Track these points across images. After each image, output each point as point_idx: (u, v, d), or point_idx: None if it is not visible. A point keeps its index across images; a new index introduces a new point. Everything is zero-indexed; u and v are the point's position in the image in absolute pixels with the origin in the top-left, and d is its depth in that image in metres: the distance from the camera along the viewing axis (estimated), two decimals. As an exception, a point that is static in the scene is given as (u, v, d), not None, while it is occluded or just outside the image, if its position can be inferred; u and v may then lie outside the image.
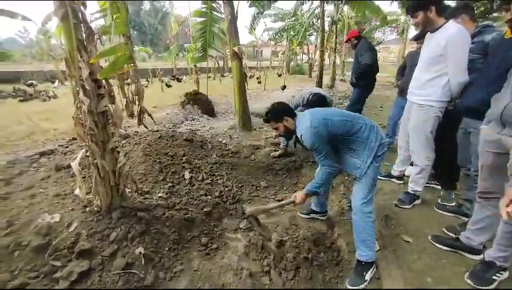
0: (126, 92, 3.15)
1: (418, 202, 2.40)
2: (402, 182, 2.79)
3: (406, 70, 3.32)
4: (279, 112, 1.82)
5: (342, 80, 13.69)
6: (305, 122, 1.65)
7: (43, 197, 2.02)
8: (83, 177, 1.86)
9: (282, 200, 2.73)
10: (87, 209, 1.84)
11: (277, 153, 3.52)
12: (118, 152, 1.78)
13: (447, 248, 1.79)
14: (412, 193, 2.38)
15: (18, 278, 1.42)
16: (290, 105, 3.26)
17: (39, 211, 1.82)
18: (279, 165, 3.31)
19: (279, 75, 13.49)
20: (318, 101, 3.28)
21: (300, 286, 1.67)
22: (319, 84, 8.11)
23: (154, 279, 1.60)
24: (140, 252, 1.68)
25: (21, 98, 6.90)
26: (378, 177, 2.40)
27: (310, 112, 1.73)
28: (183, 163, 2.93)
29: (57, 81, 10.06)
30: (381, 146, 1.66)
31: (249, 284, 1.65)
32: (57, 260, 1.53)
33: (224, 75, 15.12)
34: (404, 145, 2.63)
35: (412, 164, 2.52)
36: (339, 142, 1.71)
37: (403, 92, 3.18)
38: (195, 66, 7.44)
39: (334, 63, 11.93)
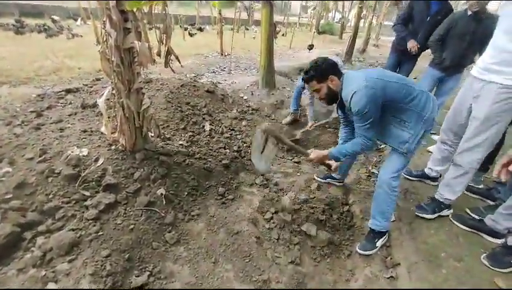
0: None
1: (447, 212, 1.88)
2: (437, 183, 2.21)
3: (445, 39, 2.79)
4: (325, 70, 1.52)
5: (375, 45, 12.53)
6: (358, 81, 1.41)
7: (71, 132, 2.10)
8: (108, 117, 1.88)
9: (299, 163, 2.73)
10: (113, 147, 1.90)
11: (288, 119, 3.36)
12: (143, 94, 1.75)
13: (468, 229, 1.75)
14: (441, 200, 1.86)
15: (52, 201, 1.54)
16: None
17: (68, 143, 1.90)
18: (298, 128, 3.23)
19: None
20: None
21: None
22: (351, 47, 7.45)
23: (174, 219, 1.70)
24: (161, 193, 1.76)
25: (48, 34, 6.87)
26: (408, 177, 2.30)
27: (362, 71, 1.53)
28: (203, 114, 2.91)
29: (79, 19, 9.83)
30: (432, 120, 1.51)
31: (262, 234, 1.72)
32: (86, 190, 1.64)
33: (248, 28, 14.18)
34: (451, 139, 1.95)
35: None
36: (390, 111, 1.49)
37: (444, 65, 2.82)
38: (220, 14, 6.94)
39: (371, 24, 10.78)
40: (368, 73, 1.46)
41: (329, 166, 1.84)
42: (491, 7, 2.55)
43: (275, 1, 3.55)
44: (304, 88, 3.14)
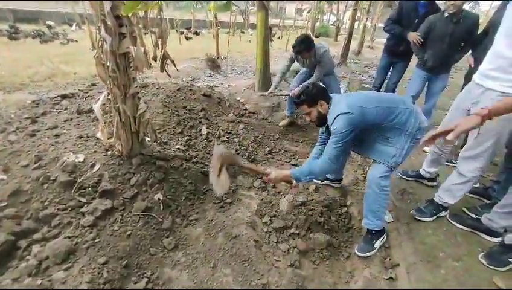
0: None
1: (444, 214, 1.90)
2: (435, 183, 2.24)
3: (428, 40, 2.80)
4: (315, 96, 1.61)
5: (369, 46, 12.66)
6: (341, 107, 1.50)
7: (67, 138, 2.08)
8: (104, 122, 1.87)
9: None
10: (109, 153, 1.89)
11: (285, 122, 3.37)
12: (139, 98, 1.75)
13: (466, 228, 1.76)
14: (440, 203, 1.87)
15: (48, 208, 1.52)
16: (288, 63, 3.14)
17: (64, 149, 1.88)
18: (295, 131, 3.24)
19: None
20: (305, 40, 2.83)
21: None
22: (346, 48, 7.52)
23: (172, 224, 1.69)
24: (159, 198, 1.75)
25: (42, 39, 6.84)
26: (404, 177, 2.35)
27: (346, 97, 1.61)
28: (200, 118, 2.90)
29: (74, 24, 9.81)
30: (419, 130, 1.55)
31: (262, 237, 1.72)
32: (82, 197, 1.62)
33: (244, 31, 14.27)
34: (440, 142, 1.98)
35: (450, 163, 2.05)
36: (374, 130, 1.58)
37: (427, 66, 2.87)
38: (215, 18, 6.97)
39: (365, 26, 10.90)
40: (351, 99, 1.55)
41: (290, 183, 1.74)
42: (482, 7, 2.60)
43: (270, 2, 3.56)
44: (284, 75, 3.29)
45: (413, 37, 2.93)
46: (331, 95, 1.68)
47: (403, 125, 1.53)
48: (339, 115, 1.48)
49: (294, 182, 1.67)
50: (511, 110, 1.14)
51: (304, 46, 2.77)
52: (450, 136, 1.16)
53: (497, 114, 1.15)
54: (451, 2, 2.52)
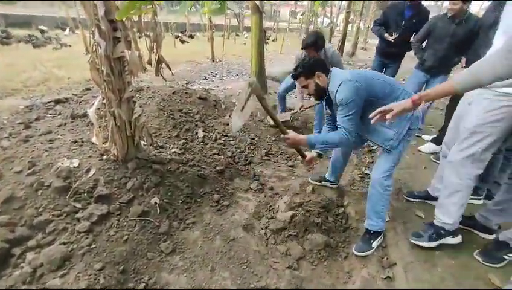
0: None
1: (452, 241, 1.63)
2: None
3: (428, 40, 2.89)
4: (312, 66, 1.59)
5: (363, 48, 12.80)
6: (343, 76, 1.49)
7: (61, 143, 2.06)
8: (99, 127, 1.86)
9: (293, 167, 2.73)
10: (104, 157, 1.87)
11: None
12: (134, 102, 1.74)
13: (460, 226, 1.78)
14: (439, 225, 1.62)
15: (42, 214, 1.50)
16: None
17: (58, 155, 1.86)
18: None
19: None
20: (319, 37, 2.58)
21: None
22: (341, 50, 7.60)
23: (169, 228, 1.68)
24: (155, 202, 1.73)
25: (35, 44, 6.77)
26: (410, 199, 2.14)
27: (347, 70, 1.61)
28: (196, 121, 2.90)
29: (68, 28, 9.73)
30: (416, 118, 1.56)
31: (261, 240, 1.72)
32: (78, 202, 1.60)
33: (239, 34, 14.31)
34: None
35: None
36: (375, 109, 1.49)
37: (425, 66, 2.92)
38: (210, 21, 6.98)
39: (359, 28, 11.02)
40: (353, 71, 1.54)
41: (303, 156, 1.77)
42: (472, 8, 2.65)
43: (264, 5, 3.59)
44: (285, 91, 3.20)
45: (386, 35, 3.23)
46: (331, 68, 1.62)
47: None
48: (341, 83, 1.45)
49: (308, 156, 1.72)
50: (442, 96, 1.19)
51: (316, 43, 2.46)
52: (388, 116, 1.23)
53: (428, 99, 1.20)
54: (450, 6, 2.57)
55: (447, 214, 1.59)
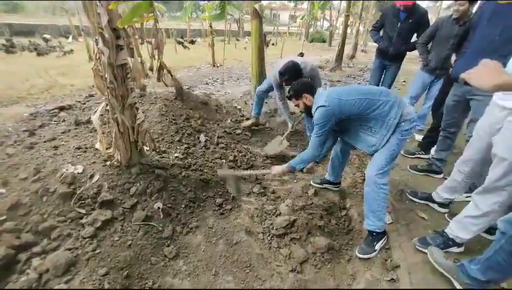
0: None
1: (456, 250, 1.62)
2: (447, 210, 1.99)
3: (433, 41, 2.92)
4: (299, 91, 1.86)
5: (363, 50, 12.86)
6: (321, 99, 1.69)
7: (65, 149, 2.08)
8: (103, 133, 1.88)
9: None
10: (108, 163, 1.89)
11: (248, 123, 3.29)
12: (137, 108, 1.76)
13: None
14: (451, 237, 1.60)
15: (47, 220, 1.52)
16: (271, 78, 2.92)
17: (63, 161, 1.89)
18: (293, 136, 3.25)
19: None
20: (293, 69, 2.54)
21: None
22: (340, 53, 7.63)
23: (172, 232, 1.68)
24: (158, 207, 1.75)
25: (38, 52, 6.89)
26: (413, 199, 2.15)
27: (328, 90, 1.76)
28: (198, 126, 2.92)
29: (71, 36, 9.89)
30: (406, 122, 1.60)
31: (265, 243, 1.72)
32: (82, 208, 1.62)
33: (239, 39, 14.44)
34: (468, 171, 1.75)
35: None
36: (355, 121, 1.71)
37: (430, 67, 2.95)
38: (210, 27, 7.07)
39: (358, 31, 11.09)
40: (330, 93, 1.70)
41: (292, 172, 2.05)
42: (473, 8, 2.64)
43: (263, 5, 3.63)
44: (265, 92, 3.13)
45: (382, 46, 3.43)
46: (317, 89, 1.84)
47: (384, 117, 1.61)
48: (318, 108, 1.69)
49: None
50: None
51: (289, 79, 2.46)
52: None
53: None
54: (456, 7, 2.57)
55: (465, 231, 1.54)
